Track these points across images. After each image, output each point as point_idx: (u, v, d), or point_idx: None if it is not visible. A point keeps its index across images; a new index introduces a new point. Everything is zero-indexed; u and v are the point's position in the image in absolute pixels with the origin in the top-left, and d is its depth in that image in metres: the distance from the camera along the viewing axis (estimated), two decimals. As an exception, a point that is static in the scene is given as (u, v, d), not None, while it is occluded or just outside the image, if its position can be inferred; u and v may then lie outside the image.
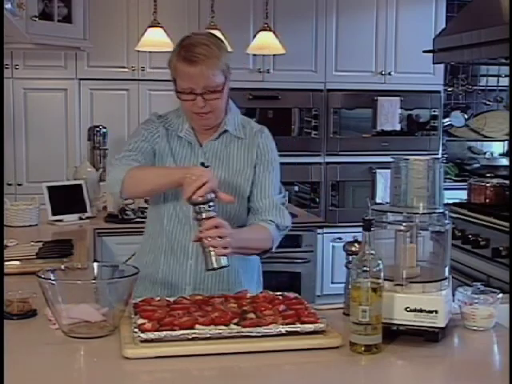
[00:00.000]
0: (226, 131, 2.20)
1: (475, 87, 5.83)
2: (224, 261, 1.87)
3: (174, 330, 1.60)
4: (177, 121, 2.22)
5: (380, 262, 1.61)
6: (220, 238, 1.88)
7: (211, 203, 1.87)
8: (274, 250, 2.21)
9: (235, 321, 1.67)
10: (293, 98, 5.17)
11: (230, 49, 4.04)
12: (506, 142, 5.92)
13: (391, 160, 1.81)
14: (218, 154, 2.19)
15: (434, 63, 4.20)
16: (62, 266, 1.87)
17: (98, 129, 4.44)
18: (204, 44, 2.06)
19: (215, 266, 1.86)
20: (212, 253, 1.85)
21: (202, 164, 2.17)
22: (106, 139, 4.44)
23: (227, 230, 1.90)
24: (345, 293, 1.90)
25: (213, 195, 1.86)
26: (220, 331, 1.62)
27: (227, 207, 2.12)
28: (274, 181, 2.24)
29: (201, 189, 1.86)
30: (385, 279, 1.63)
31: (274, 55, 4.86)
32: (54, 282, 1.70)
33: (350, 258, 1.89)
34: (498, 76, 5.73)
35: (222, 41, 2.15)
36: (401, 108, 5.26)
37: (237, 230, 2.07)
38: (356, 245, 1.90)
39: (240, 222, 2.19)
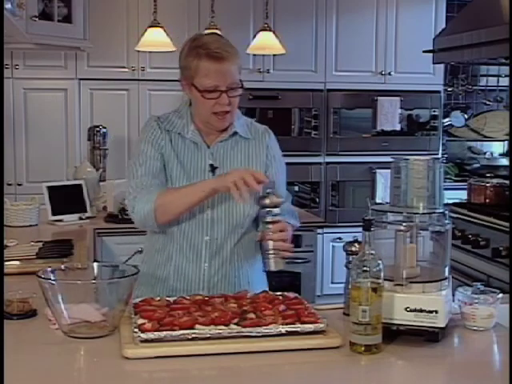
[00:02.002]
0: (235, 133, 2.19)
1: (475, 87, 5.83)
2: (283, 264, 1.90)
3: (174, 330, 1.60)
4: (180, 122, 2.19)
5: (380, 262, 1.61)
6: (283, 241, 1.90)
7: (277, 209, 1.88)
8: None
9: (235, 321, 1.67)
10: (293, 98, 5.17)
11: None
12: (506, 142, 5.92)
13: (391, 160, 1.81)
14: (226, 154, 2.18)
15: (433, 63, 4.20)
16: (62, 266, 1.87)
17: (98, 129, 4.44)
18: (221, 41, 2.10)
19: (275, 268, 1.89)
20: (273, 255, 1.87)
21: (211, 165, 2.15)
22: (106, 139, 4.44)
23: (290, 234, 1.94)
24: (345, 293, 1.90)
25: (280, 199, 1.87)
26: (220, 331, 1.62)
27: (240, 207, 2.12)
28: (284, 181, 2.28)
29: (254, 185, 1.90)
30: (385, 279, 1.63)
31: (274, 55, 4.87)
32: (53, 282, 1.70)
33: (350, 258, 1.90)
34: (498, 76, 5.73)
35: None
36: (401, 108, 5.26)
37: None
38: (356, 245, 1.90)
39: (253, 220, 2.18)
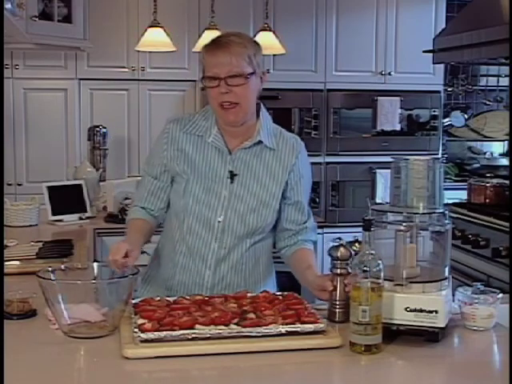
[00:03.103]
0: (259, 142, 2.12)
1: (475, 87, 5.82)
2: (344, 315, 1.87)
3: (174, 330, 1.60)
4: (204, 124, 2.14)
5: (380, 262, 1.61)
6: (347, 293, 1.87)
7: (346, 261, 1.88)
8: None
9: (235, 321, 1.67)
10: (293, 98, 5.17)
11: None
12: (506, 142, 5.91)
13: (391, 160, 1.81)
14: (248, 163, 2.12)
15: (433, 63, 4.20)
16: (62, 266, 1.87)
17: (98, 129, 4.44)
18: (234, 34, 2.07)
19: (338, 318, 1.85)
20: (338, 307, 1.86)
21: (231, 172, 2.11)
22: (106, 139, 4.44)
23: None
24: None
25: (348, 253, 1.86)
26: (220, 331, 1.62)
27: (253, 218, 2.11)
28: (307, 198, 2.25)
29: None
30: (385, 279, 1.63)
31: (274, 55, 4.86)
32: (53, 282, 1.70)
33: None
34: (498, 76, 5.73)
35: (257, 43, 2.12)
36: (401, 108, 5.26)
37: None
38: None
39: (264, 232, 2.17)
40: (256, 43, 2.11)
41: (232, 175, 2.11)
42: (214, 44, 2.05)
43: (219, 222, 2.10)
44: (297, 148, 2.18)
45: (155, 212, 2.21)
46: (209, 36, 4.17)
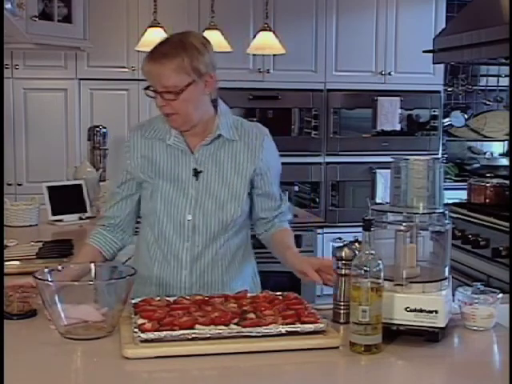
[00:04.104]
0: (219, 135, 2.13)
1: (475, 87, 5.82)
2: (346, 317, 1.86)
3: (174, 330, 1.60)
4: (163, 126, 2.14)
5: (380, 262, 1.61)
6: None
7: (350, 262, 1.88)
8: None
9: (235, 321, 1.67)
10: (293, 98, 5.17)
11: (230, 49, 4.08)
12: (506, 142, 5.91)
13: (391, 160, 1.81)
14: (211, 158, 2.13)
15: (433, 63, 4.20)
16: (59, 267, 1.86)
17: (98, 129, 4.43)
18: (171, 43, 2.04)
19: (343, 320, 1.85)
20: (343, 308, 1.86)
21: (195, 170, 2.11)
22: (106, 139, 4.43)
23: None
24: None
25: (352, 254, 1.85)
26: (220, 331, 1.62)
27: (222, 213, 2.11)
28: (278, 183, 2.24)
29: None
30: (385, 279, 1.63)
31: (274, 55, 4.86)
32: (50, 283, 1.70)
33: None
34: (498, 76, 5.73)
35: (204, 43, 2.07)
36: (401, 108, 5.26)
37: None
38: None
39: (236, 226, 2.16)
40: (200, 45, 2.05)
41: (196, 172, 2.11)
42: (150, 55, 2.04)
43: (189, 220, 2.10)
44: (260, 136, 2.17)
45: (120, 222, 2.21)
46: (209, 36, 4.17)
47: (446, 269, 1.76)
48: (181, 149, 2.12)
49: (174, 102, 2.01)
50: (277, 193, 2.24)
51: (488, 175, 4.25)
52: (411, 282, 1.70)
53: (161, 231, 2.14)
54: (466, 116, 5.91)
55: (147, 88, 2.06)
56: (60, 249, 2.74)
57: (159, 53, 2.02)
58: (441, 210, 1.75)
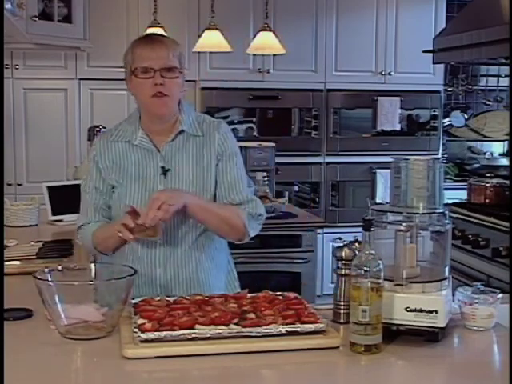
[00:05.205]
0: (182, 131, 2.16)
1: (475, 87, 5.83)
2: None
3: (174, 330, 1.60)
4: (129, 128, 2.18)
5: (380, 262, 1.61)
6: None
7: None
8: (250, 235, 2.17)
9: (235, 321, 1.67)
10: (293, 98, 5.17)
11: (230, 49, 4.08)
12: (506, 142, 5.92)
13: (391, 160, 1.81)
14: (177, 155, 2.15)
15: (433, 63, 4.20)
16: (59, 267, 1.86)
17: (98, 129, 4.43)
18: (160, 35, 2.23)
19: (344, 320, 1.84)
20: (343, 308, 1.85)
21: (163, 168, 2.13)
22: (106, 139, 4.43)
23: None
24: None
25: (352, 254, 1.84)
26: (220, 331, 1.62)
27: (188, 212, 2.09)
28: (241, 175, 2.20)
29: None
30: (385, 279, 1.63)
31: (274, 55, 4.86)
32: (50, 283, 1.70)
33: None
34: (498, 76, 5.73)
35: None
36: (401, 108, 5.26)
37: (203, 199, 2.11)
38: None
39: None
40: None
41: (164, 171, 2.13)
42: (149, 38, 2.17)
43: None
44: (216, 128, 2.19)
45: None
46: (209, 36, 4.18)
47: (446, 269, 1.76)
48: (147, 148, 2.15)
49: (170, 81, 2.08)
50: (242, 187, 2.18)
51: (488, 175, 4.25)
52: (411, 282, 1.70)
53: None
54: (466, 116, 5.91)
55: (135, 73, 2.09)
56: (60, 249, 2.74)
57: (155, 37, 2.18)
58: (441, 210, 1.75)
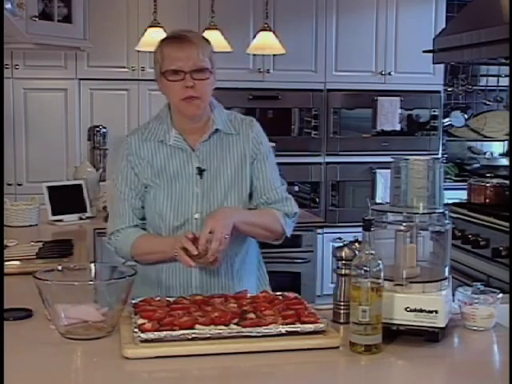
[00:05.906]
0: (216, 130, 2.13)
1: (475, 87, 5.83)
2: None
3: (174, 330, 1.60)
4: (161, 128, 2.14)
5: (380, 262, 1.61)
6: None
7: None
8: (289, 235, 2.20)
9: (235, 321, 1.67)
10: (293, 98, 5.17)
11: (230, 49, 4.08)
12: (506, 142, 5.92)
13: (391, 160, 1.81)
14: (212, 155, 2.13)
15: (433, 63, 4.20)
16: (59, 267, 1.86)
17: (98, 129, 4.44)
18: (189, 32, 2.10)
19: (343, 320, 1.85)
20: (343, 308, 1.86)
21: (199, 168, 2.11)
22: (106, 139, 4.44)
23: None
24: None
25: (352, 254, 1.84)
26: (220, 331, 1.62)
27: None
28: (274, 173, 2.20)
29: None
30: (385, 279, 1.63)
31: (274, 55, 4.86)
32: (50, 283, 1.70)
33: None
34: (498, 76, 5.73)
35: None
36: (401, 108, 5.26)
37: (245, 211, 2.10)
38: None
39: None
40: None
41: (200, 171, 2.11)
42: (178, 38, 2.06)
43: (196, 219, 2.09)
44: (254, 127, 2.18)
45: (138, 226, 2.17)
46: (209, 36, 4.17)
47: (446, 269, 1.76)
48: (182, 148, 2.12)
49: (201, 83, 2.02)
50: (275, 182, 2.19)
51: (488, 175, 4.25)
52: (411, 282, 1.70)
53: (168, 233, 2.11)
54: (466, 116, 5.91)
55: (165, 75, 2.04)
56: (60, 249, 2.74)
57: (184, 36, 2.05)
58: (441, 210, 1.75)
